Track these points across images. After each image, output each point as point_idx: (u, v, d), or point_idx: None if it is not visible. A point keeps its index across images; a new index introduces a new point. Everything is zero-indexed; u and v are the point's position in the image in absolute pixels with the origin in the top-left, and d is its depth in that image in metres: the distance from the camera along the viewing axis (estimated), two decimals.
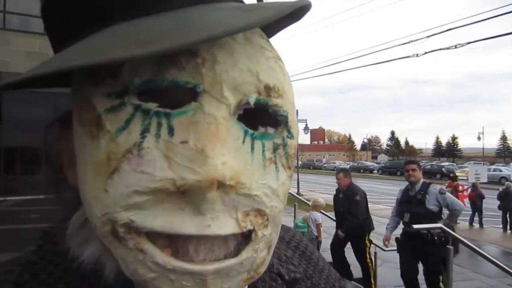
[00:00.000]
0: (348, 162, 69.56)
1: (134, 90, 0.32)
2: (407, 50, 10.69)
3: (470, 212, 11.18)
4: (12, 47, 12.28)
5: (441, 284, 4.24)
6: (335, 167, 58.20)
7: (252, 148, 0.34)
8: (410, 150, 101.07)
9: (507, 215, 10.54)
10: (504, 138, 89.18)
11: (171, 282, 0.32)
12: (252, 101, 0.34)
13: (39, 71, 0.31)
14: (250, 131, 0.34)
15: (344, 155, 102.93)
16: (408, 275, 4.45)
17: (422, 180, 4.48)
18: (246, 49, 0.34)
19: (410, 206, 4.44)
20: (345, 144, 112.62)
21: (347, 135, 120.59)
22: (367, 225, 5.28)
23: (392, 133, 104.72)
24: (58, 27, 0.38)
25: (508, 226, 10.46)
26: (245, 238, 0.35)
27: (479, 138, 59.26)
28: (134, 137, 0.31)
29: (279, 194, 0.36)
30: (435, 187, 4.43)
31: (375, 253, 5.37)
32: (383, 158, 64.70)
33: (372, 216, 5.42)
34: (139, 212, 0.32)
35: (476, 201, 10.97)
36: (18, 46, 12.31)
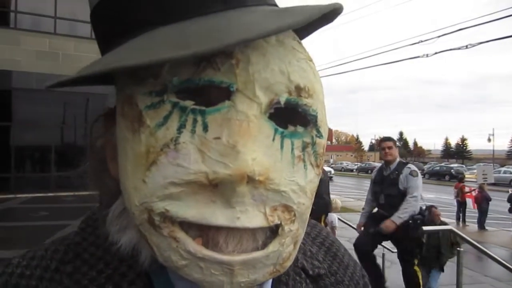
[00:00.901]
0: (356, 163, 69.19)
1: (173, 88, 0.34)
2: (417, 50, 10.61)
3: (477, 214, 11.08)
4: (23, 47, 12.42)
5: (416, 267, 4.00)
6: (343, 167, 58.06)
7: (282, 146, 0.36)
8: (418, 151, 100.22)
9: None
10: None
11: (201, 270, 0.34)
12: (282, 100, 0.35)
13: (87, 71, 0.34)
14: (280, 129, 0.36)
15: (351, 155, 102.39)
16: (359, 247, 4.14)
17: (398, 159, 4.19)
18: (278, 51, 0.36)
19: (384, 186, 4.16)
20: (353, 145, 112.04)
21: (355, 135, 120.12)
22: (330, 206, 5.10)
23: (401, 134, 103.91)
24: (104, 32, 0.41)
25: None
26: (273, 233, 0.36)
27: (489, 140, 58.55)
28: (171, 132, 0.34)
29: (307, 191, 0.38)
30: (409, 167, 4.10)
31: (383, 254, 5.32)
32: None
33: None
34: (174, 203, 0.34)
35: (482, 203, 10.81)
36: (28, 46, 12.44)
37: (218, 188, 0.33)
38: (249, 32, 0.31)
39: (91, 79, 0.43)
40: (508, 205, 10.84)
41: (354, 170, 51.48)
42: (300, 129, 0.37)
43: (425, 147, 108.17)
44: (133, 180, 0.35)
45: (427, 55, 10.86)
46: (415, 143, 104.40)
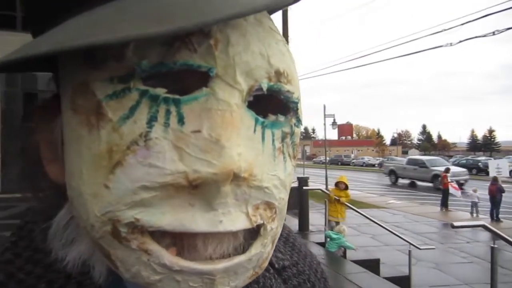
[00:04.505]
0: (378, 158, 68.16)
1: (141, 73, 0.29)
2: (439, 40, 10.24)
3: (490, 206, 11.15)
4: None
5: None
6: (364, 162, 57.32)
7: (263, 138, 0.33)
8: (443, 144, 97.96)
9: None
10: None
11: (177, 284, 0.31)
12: (265, 86, 0.32)
13: (31, 52, 0.27)
14: (261, 119, 0.33)
15: (373, 150, 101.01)
16: None
17: None
18: (258, 31, 0.32)
19: None
20: (374, 139, 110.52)
21: (376, 130, 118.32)
22: None
23: (424, 127, 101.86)
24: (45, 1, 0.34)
25: None
26: (252, 233, 0.34)
27: None
28: (140, 126, 0.29)
29: (286, 185, 0.36)
30: None
31: (410, 251, 5.15)
32: (414, 153, 62.97)
33: (404, 213, 5.16)
34: (145, 210, 0.30)
35: (496, 195, 10.83)
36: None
37: (198, 190, 0.29)
38: (242, 5, 0.26)
39: (20, 65, 0.35)
40: None
41: (376, 165, 50.64)
42: (281, 118, 0.34)
43: (450, 140, 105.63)
44: (92, 186, 0.30)
45: (451, 44, 10.50)
46: (439, 136, 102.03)
